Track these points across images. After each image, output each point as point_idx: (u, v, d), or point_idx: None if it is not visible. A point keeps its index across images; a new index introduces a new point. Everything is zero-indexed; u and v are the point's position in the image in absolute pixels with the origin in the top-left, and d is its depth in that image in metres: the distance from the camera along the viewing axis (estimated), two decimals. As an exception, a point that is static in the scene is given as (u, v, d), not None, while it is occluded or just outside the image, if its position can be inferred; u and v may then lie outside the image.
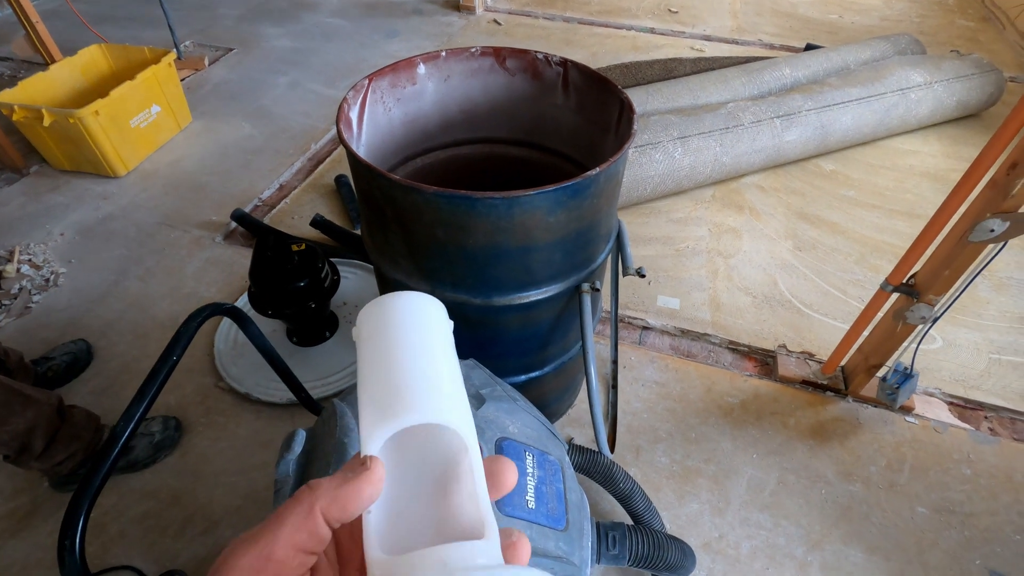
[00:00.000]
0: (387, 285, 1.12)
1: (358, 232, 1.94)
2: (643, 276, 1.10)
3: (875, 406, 1.50)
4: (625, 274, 1.12)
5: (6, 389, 1.13)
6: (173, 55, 2.34)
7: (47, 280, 1.81)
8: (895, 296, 1.31)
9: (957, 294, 1.18)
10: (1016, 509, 1.32)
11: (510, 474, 0.32)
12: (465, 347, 1.08)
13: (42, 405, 1.18)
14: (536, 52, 1.13)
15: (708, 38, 3.31)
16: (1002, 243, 1.09)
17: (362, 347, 0.34)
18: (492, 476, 0.32)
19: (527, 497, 0.67)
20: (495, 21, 3.46)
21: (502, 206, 0.82)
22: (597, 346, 1.62)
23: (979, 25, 3.54)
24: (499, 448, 0.71)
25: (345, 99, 0.97)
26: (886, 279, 1.29)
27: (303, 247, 1.45)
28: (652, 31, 3.37)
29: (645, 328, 1.70)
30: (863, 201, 2.16)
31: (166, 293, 1.77)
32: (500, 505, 0.63)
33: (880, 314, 1.37)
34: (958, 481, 1.37)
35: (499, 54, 1.14)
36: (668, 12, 3.60)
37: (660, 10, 3.61)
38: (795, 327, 1.69)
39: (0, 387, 1.12)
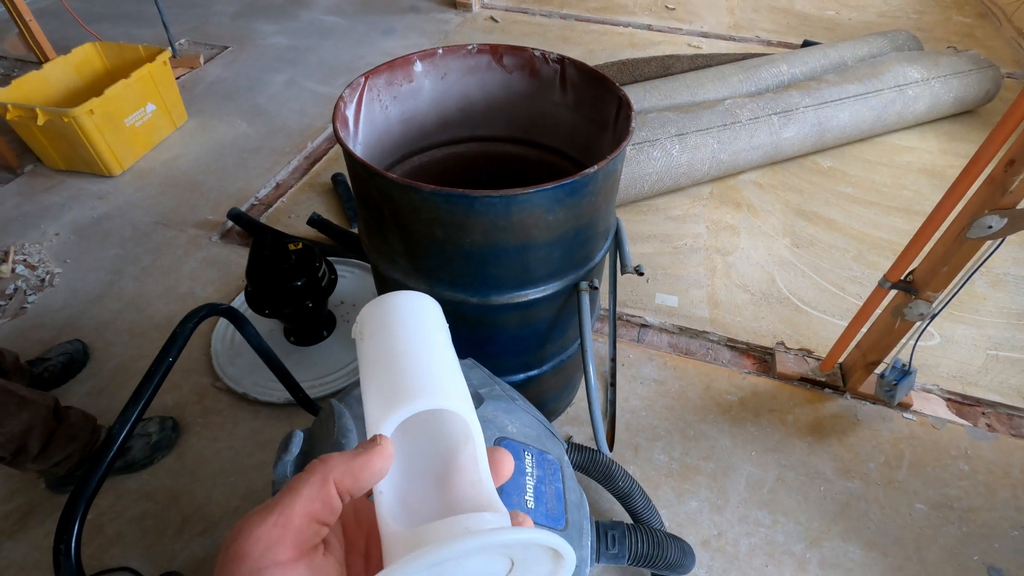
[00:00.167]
0: (385, 284, 1.11)
1: (355, 231, 1.94)
2: (641, 274, 1.10)
3: (873, 403, 1.50)
4: (623, 272, 1.11)
5: (1, 391, 1.12)
6: (168, 53, 2.32)
7: (42, 280, 1.80)
8: (893, 293, 1.31)
9: (955, 291, 1.18)
10: (1014, 505, 1.32)
11: (507, 464, 0.34)
12: (463, 346, 1.07)
13: (38, 406, 1.17)
14: (533, 49, 1.12)
15: (705, 35, 3.30)
16: (1000, 239, 1.09)
17: (365, 343, 0.36)
18: (490, 466, 0.33)
19: (526, 497, 0.67)
20: (492, 18, 3.45)
21: (500, 205, 0.82)
22: (595, 344, 1.61)
23: (976, 21, 3.54)
24: (498, 448, 0.71)
25: (341, 97, 0.97)
26: (884, 276, 1.29)
27: (300, 246, 1.45)
28: (649, 28, 3.37)
29: (643, 326, 1.70)
30: (861, 198, 2.16)
31: (162, 293, 1.76)
32: (499, 505, 0.62)
33: (878, 311, 1.37)
34: (956, 477, 1.37)
35: (496, 51, 1.14)
36: (665, 9, 3.59)
37: (657, 7, 3.60)
38: (793, 324, 1.69)
39: (-5, 389, 1.11)
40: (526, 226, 0.86)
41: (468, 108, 1.22)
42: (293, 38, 3.20)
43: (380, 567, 0.29)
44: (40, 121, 1.97)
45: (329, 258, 1.61)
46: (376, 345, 0.35)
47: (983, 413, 1.50)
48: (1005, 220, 1.05)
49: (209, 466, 1.36)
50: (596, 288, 1.05)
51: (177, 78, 2.67)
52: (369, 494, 0.31)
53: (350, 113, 1.01)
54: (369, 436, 0.31)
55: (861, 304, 1.39)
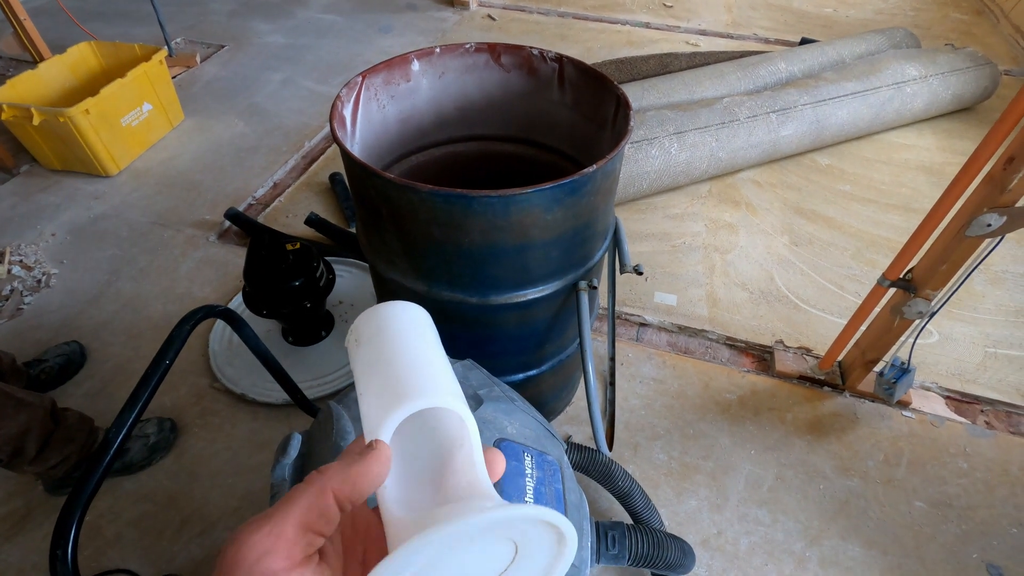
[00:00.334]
0: (383, 284, 1.11)
1: (353, 230, 1.93)
2: (640, 274, 1.10)
3: (872, 401, 1.50)
4: (622, 272, 1.11)
5: (-2, 393, 1.12)
6: (164, 52, 2.31)
7: (39, 281, 1.79)
8: (892, 291, 1.31)
9: (954, 289, 1.18)
10: (1012, 502, 1.33)
11: (499, 464, 0.35)
12: (462, 346, 1.07)
13: (35, 408, 1.16)
14: (531, 48, 1.11)
15: (703, 33, 3.30)
16: (999, 237, 1.09)
17: (359, 351, 0.37)
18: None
19: (526, 498, 0.66)
20: (489, 16, 3.44)
21: (498, 204, 0.81)
22: (594, 343, 1.61)
23: (973, 18, 3.54)
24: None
25: (339, 96, 0.96)
26: (883, 274, 1.29)
27: (298, 246, 1.44)
28: (647, 26, 3.36)
29: (642, 325, 1.69)
30: (859, 195, 2.16)
31: (160, 293, 1.76)
32: (499, 507, 0.62)
33: (877, 309, 1.37)
34: (955, 475, 1.37)
35: (494, 50, 1.13)
36: (663, 7, 3.58)
37: (655, 5, 3.60)
38: (792, 322, 1.69)
39: (-8, 391, 1.11)
40: (525, 226, 0.85)
41: (466, 107, 1.21)
42: (290, 36, 3.19)
43: None
44: (35, 121, 1.95)
45: (327, 258, 1.60)
46: (370, 352, 0.36)
47: (982, 411, 1.50)
48: (1004, 218, 1.04)
49: (207, 467, 1.36)
50: (595, 287, 1.05)
51: (173, 77, 2.66)
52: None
53: (347, 112, 1.00)
54: (368, 440, 0.32)
55: (860, 302, 1.39)
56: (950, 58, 2.41)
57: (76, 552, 0.61)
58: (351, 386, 0.98)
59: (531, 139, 1.26)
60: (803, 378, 1.55)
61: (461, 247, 0.88)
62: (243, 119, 2.53)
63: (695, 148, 2.00)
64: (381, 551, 0.30)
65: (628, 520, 1.21)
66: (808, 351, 1.61)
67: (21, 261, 1.85)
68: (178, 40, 3.09)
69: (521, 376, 1.17)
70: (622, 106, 0.98)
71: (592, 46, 3.13)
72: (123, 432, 0.69)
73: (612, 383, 1.51)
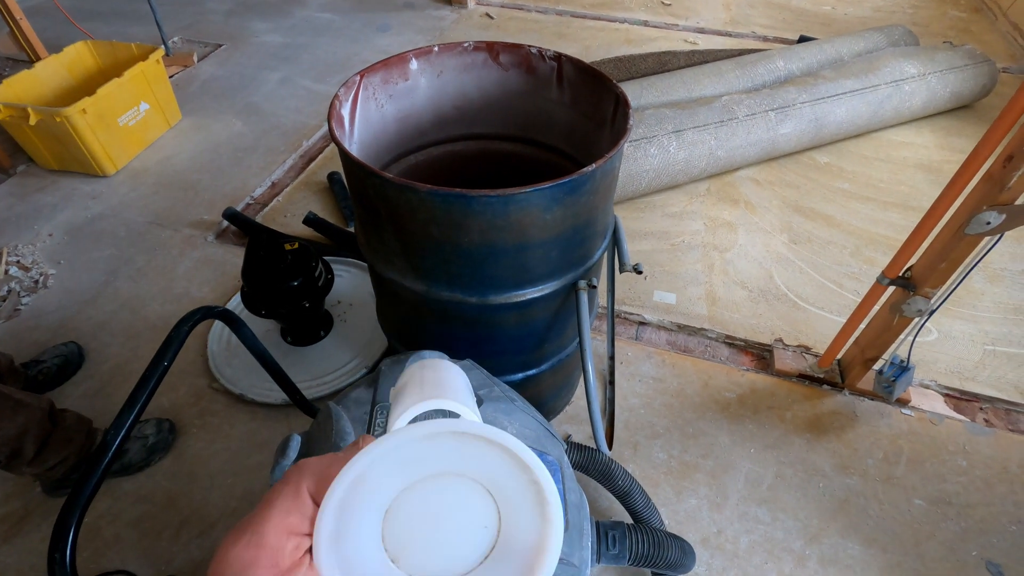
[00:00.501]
0: (382, 284, 1.11)
1: (352, 230, 1.93)
2: (640, 273, 1.09)
3: (872, 399, 1.50)
4: (622, 271, 1.11)
5: (-5, 394, 1.11)
6: (161, 51, 2.30)
7: (36, 282, 1.78)
8: (891, 289, 1.30)
9: (953, 287, 1.18)
10: (1011, 499, 1.33)
11: None
12: (461, 346, 1.07)
13: (33, 409, 1.16)
14: (530, 46, 1.11)
15: (701, 31, 3.30)
16: (998, 235, 1.09)
17: (410, 377, 0.47)
18: None
19: (526, 499, 0.66)
20: (487, 15, 3.43)
21: (497, 204, 0.81)
22: (594, 342, 1.61)
23: (971, 16, 3.54)
24: (497, 449, 0.70)
25: (336, 96, 0.96)
26: (882, 272, 1.29)
27: (296, 246, 1.44)
28: (645, 24, 3.35)
29: (642, 324, 1.69)
30: (857, 193, 2.16)
31: (157, 293, 1.75)
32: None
33: (876, 307, 1.37)
34: (954, 473, 1.37)
35: (492, 49, 1.13)
36: (661, 5, 3.58)
37: (653, 3, 3.59)
38: (791, 321, 1.69)
39: (-11, 392, 1.10)
40: (524, 225, 0.85)
41: (464, 106, 1.21)
42: (287, 35, 3.18)
43: None
44: (32, 121, 1.95)
45: (325, 257, 1.60)
46: (415, 378, 0.45)
47: (981, 408, 1.50)
48: (1004, 216, 1.04)
49: (206, 468, 1.35)
50: (594, 287, 1.05)
51: (170, 76, 2.65)
52: None
53: (345, 112, 1.00)
54: (390, 424, 0.35)
55: (859, 300, 1.39)
56: (948, 56, 2.41)
57: (75, 554, 0.61)
58: (350, 386, 0.98)
59: (530, 138, 1.26)
60: (802, 376, 1.55)
61: (460, 247, 0.87)
62: (241, 118, 2.52)
63: (694, 146, 2.00)
64: None
65: (628, 519, 1.21)
66: (807, 349, 1.61)
67: (18, 262, 1.84)
68: (175, 39, 3.08)
69: (520, 376, 1.17)
70: (621, 104, 0.98)
71: (590, 44, 3.13)
72: (121, 433, 0.69)
73: (612, 382, 1.51)
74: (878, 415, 1.48)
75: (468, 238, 0.86)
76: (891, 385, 1.35)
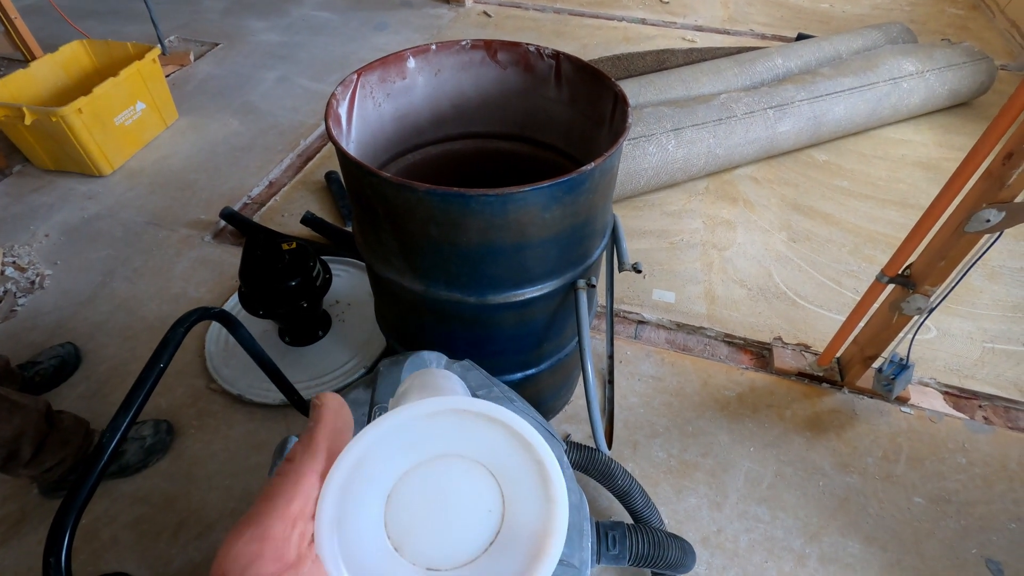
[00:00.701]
0: (380, 284, 1.10)
1: (350, 229, 1.92)
2: (639, 271, 1.09)
3: (871, 397, 1.50)
4: (621, 270, 1.10)
5: (-9, 396, 1.11)
6: (157, 51, 2.29)
7: (32, 282, 1.77)
8: (890, 287, 1.30)
9: (952, 284, 1.18)
10: (1011, 497, 1.33)
11: None
12: (460, 346, 1.07)
13: (29, 411, 1.15)
14: (528, 44, 1.11)
15: (700, 28, 3.29)
16: (997, 233, 1.09)
17: (409, 385, 0.47)
18: None
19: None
20: (485, 13, 3.43)
21: (496, 203, 0.80)
22: (593, 341, 1.61)
23: (969, 13, 3.54)
24: (497, 450, 0.70)
25: (334, 95, 0.95)
26: (882, 270, 1.28)
27: (294, 245, 1.43)
28: (643, 22, 3.35)
29: (641, 322, 1.69)
30: (856, 191, 2.16)
31: (154, 294, 1.74)
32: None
33: (875, 305, 1.37)
34: (954, 470, 1.37)
35: (490, 47, 1.12)
36: (659, 2, 3.57)
37: (651, 0, 3.59)
38: (790, 319, 1.69)
39: (-15, 394, 1.10)
40: (522, 224, 0.85)
41: (462, 105, 1.20)
42: (284, 34, 3.17)
43: None
44: (27, 121, 1.94)
45: (323, 257, 1.59)
46: (414, 385, 0.45)
47: (980, 406, 1.50)
48: (1003, 214, 1.04)
49: (204, 469, 1.35)
50: (594, 286, 1.04)
51: (167, 76, 2.63)
52: None
53: (343, 111, 0.99)
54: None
55: (858, 298, 1.38)
56: (946, 53, 2.41)
57: (70, 558, 0.61)
58: (348, 387, 0.97)
59: (528, 136, 1.25)
60: (802, 375, 1.54)
61: (458, 246, 0.87)
62: (238, 118, 2.51)
63: (692, 145, 2.00)
64: None
65: (628, 519, 1.21)
66: (807, 348, 1.61)
67: (14, 262, 1.83)
68: (171, 38, 3.07)
69: (520, 375, 1.17)
70: (619, 103, 0.97)
71: (588, 43, 3.12)
72: (118, 435, 0.68)
73: (611, 381, 1.51)
74: (877, 413, 1.48)
75: (466, 237, 0.85)
76: (890, 383, 1.35)
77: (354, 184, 0.92)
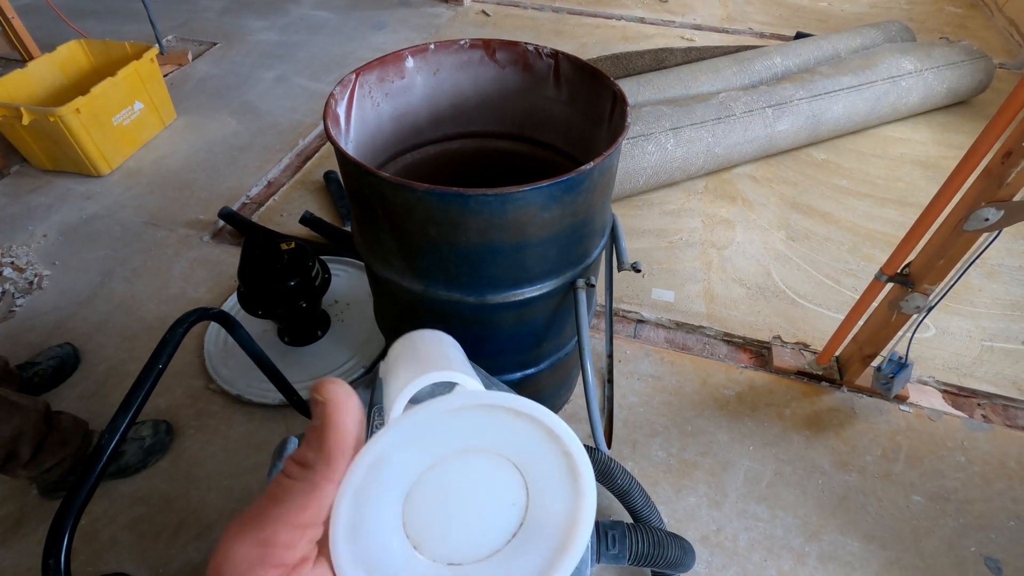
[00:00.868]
0: (379, 283, 1.10)
1: (348, 229, 1.92)
2: (638, 271, 1.09)
3: (870, 396, 1.50)
4: (620, 269, 1.11)
5: (-10, 397, 1.10)
6: (155, 50, 2.29)
7: (31, 283, 1.77)
8: (889, 286, 1.30)
9: (952, 283, 1.18)
10: (1010, 495, 1.33)
11: None
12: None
13: (28, 411, 1.15)
14: (526, 44, 1.10)
15: (698, 27, 3.29)
16: (996, 232, 1.09)
17: (399, 352, 0.42)
18: None
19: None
20: (483, 12, 3.42)
21: (495, 203, 0.80)
22: (592, 341, 1.61)
23: (967, 11, 3.54)
24: (496, 450, 0.70)
25: (332, 95, 0.95)
26: (881, 269, 1.28)
27: (293, 245, 1.43)
28: (642, 21, 3.35)
29: (640, 321, 1.69)
30: (855, 190, 2.16)
31: (153, 294, 1.74)
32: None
33: (874, 304, 1.37)
34: (952, 469, 1.37)
35: (489, 46, 1.12)
36: (657, 1, 3.57)
37: (649, -1, 3.59)
38: (789, 318, 1.69)
39: (-17, 395, 1.09)
40: (522, 224, 0.85)
41: (461, 104, 1.20)
42: (282, 34, 3.16)
43: None
44: (25, 121, 1.93)
45: (322, 257, 1.59)
46: (405, 351, 0.41)
47: (979, 404, 1.51)
48: (1002, 212, 1.04)
49: (204, 469, 1.35)
50: (592, 285, 1.04)
51: (165, 75, 2.63)
52: None
53: (341, 111, 0.99)
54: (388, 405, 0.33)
55: (857, 297, 1.38)
56: (945, 52, 2.41)
57: (70, 558, 0.60)
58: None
59: (527, 136, 1.25)
60: (801, 373, 1.55)
61: (457, 246, 0.87)
62: (236, 117, 2.51)
63: (691, 144, 2.00)
64: None
65: (628, 518, 1.21)
66: (806, 346, 1.61)
67: (12, 263, 1.83)
68: (169, 38, 3.07)
69: (519, 375, 1.17)
70: (618, 102, 0.97)
71: (587, 42, 3.12)
72: (117, 436, 0.68)
73: (610, 380, 1.51)
74: (876, 412, 1.48)
75: (465, 237, 0.85)
76: (889, 382, 1.35)
77: (353, 184, 0.92)
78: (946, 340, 1.65)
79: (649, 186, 2.05)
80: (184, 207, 2.06)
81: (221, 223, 1.96)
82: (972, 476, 1.36)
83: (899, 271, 1.26)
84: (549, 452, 0.28)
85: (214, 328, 1.61)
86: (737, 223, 2.00)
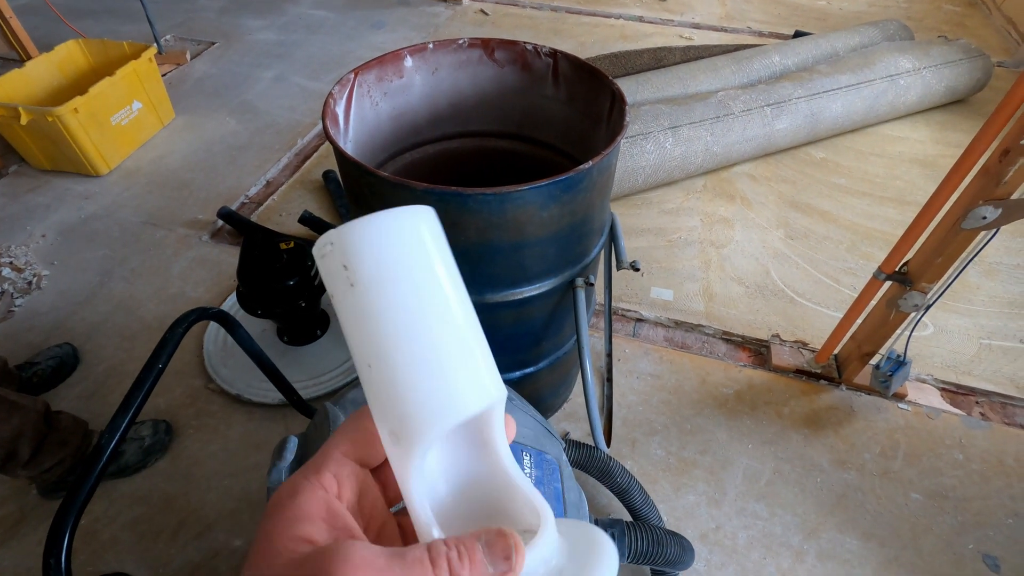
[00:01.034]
0: (378, 283, 1.10)
1: (347, 228, 1.91)
2: (637, 270, 1.09)
3: (868, 394, 1.51)
4: (619, 268, 1.11)
5: (-11, 397, 1.10)
6: (153, 50, 2.28)
7: (29, 283, 1.77)
8: (888, 284, 1.31)
9: (950, 281, 1.18)
10: (1008, 493, 1.33)
11: (511, 427, 0.31)
12: (459, 345, 1.06)
13: (28, 411, 1.15)
14: (525, 43, 1.10)
15: (697, 26, 3.29)
16: (994, 230, 1.09)
17: (356, 298, 0.26)
18: None
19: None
20: (482, 11, 3.42)
21: (494, 202, 0.80)
22: (591, 340, 1.61)
23: (965, 10, 3.54)
24: (496, 449, 0.70)
25: (331, 94, 0.95)
26: (879, 267, 1.29)
27: (292, 245, 1.43)
28: (640, 19, 3.35)
29: (639, 320, 1.69)
30: (853, 188, 2.16)
31: (152, 294, 1.74)
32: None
33: (873, 302, 1.37)
34: (951, 466, 1.38)
35: (487, 45, 1.12)
36: (656, 0, 3.57)
37: (648, -2, 3.59)
38: (788, 316, 1.69)
39: (-17, 395, 1.09)
40: (520, 223, 0.85)
41: (459, 103, 1.20)
42: (281, 33, 3.16)
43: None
44: (23, 120, 1.93)
45: (321, 257, 1.59)
46: (375, 308, 0.26)
47: (977, 402, 1.51)
48: (1000, 210, 1.04)
49: (203, 469, 1.35)
50: (591, 284, 1.04)
51: (163, 75, 2.63)
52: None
53: (340, 110, 0.99)
54: (395, 466, 0.26)
55: (855, 295, 1.39)
56: (943, 50, 2.41)
57: (70, 558, 0.61)
58: (347, 386, 0.97)
59: (526, 135, 1.25)
60: (799, 372, 1.55)
61: (456, 245, 0.86)
62: (235, 117, 2.51)
63: (690, 142, 2.00)
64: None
65: (627, 517, 1.21)
66: (804, 345, 1.62)
67: (11, 263, 1.83)
68: (168, 37, 3.06)
69: (518, 374, 1.17)
70: (617, 101, 0.97)
71: (585, 41, 3.12)
72: (116, 436, 0.68)
73: (609, 379, 1.51)
74: (875, 410, 1.48)
75: (464, 237, 0.85)
76: (888, 380, 1.36)
77: (352, 183, 0.92)
78: (944, 338, 1.65)
79: (648, 185, 2.05)
80: (183, 207, 2.05)
81: (220, 223, 1.96)
82: (970, 474, 1.37)
83: (897, 269, 1.26)
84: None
85: (213, 328, 1.61)
86: (736, 222, 2.00)
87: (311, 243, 1.85)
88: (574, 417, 1.45)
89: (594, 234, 1.03)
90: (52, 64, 2.26)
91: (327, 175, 2.13)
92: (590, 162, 0.83)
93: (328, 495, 0.26)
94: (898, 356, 1.34)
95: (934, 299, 1.22)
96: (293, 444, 0.64)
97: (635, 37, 3.15)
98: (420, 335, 0.25)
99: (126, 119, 2.21)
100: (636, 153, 1.94)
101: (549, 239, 0.90)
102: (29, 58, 2.46)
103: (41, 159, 2.16)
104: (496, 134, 1.26)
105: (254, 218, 2.00)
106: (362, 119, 1.07)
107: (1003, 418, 1.48)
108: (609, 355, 1.53)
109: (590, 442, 1.16)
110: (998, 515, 1.30)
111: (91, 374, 1.53)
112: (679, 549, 0.98)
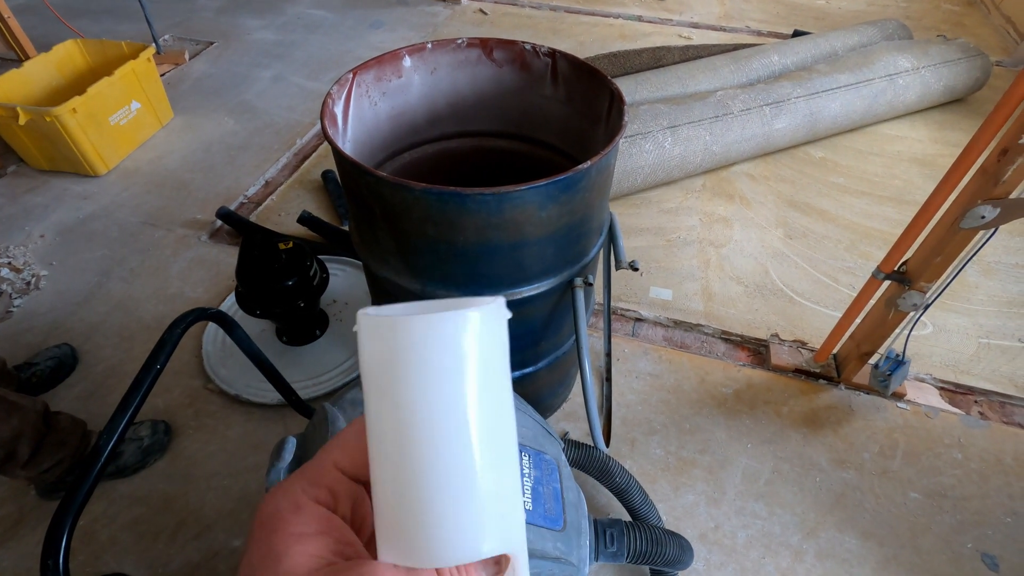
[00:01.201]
0: (376, 283, 1.10)
1: (346, 228, 1.92)
2: (636, 269, 1.09)
3: (867, 393, 1.51)
4: (618, 268, 1.11)
5: (-12, 397, 1.10)
6: (152, 49, 2.28)
7: (28, 283, 1.77)
8: (886, 283, 1.31)
9: (948, 280, 1.18)
10: (1006, 492, 1.34)
11: None
12: (458, 345, 1.06)
13: (27, 412, 1.15)
14: (524, 43, 1.10)
15: (696, 25, 3.29)
16: (993, 229, 1.09)
17: (381, 407, 0.24)
18: None
19: (524, 499, 0.66)
20: (481, 11, 3.42)
21: (492, 202, 0.80)
22: (590, 339, 1.61)
23: (964, 9, 3.54)
24: (494, 449, 0.70)
25: (329, 94, 0.95)
26: (878, 267, 1.29)
27: (291, 245, 1.43)
28: (639, 19, 3.35)
29: (638, 320, 1.69)
30: (852, 188, 2.16)
31: (151, 294, 1.74)
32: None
33: (872, 301, 1.37)
34: (950, 465, 1.38)
35: (486, 45, 1.12)
36: (655, 0, 3.57)
37: (647, -3, 3.59)
38: (787, 316, 1.70)
39: (-19, 395, 1.09)
40: (519, 223, 0.85)
41: (458, 103, 1.20)
42: (280, 33, 3.15)
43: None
44: (21, 121, 1.93)
45: (320, 256, 1.59)
46: (400, 427, 0.23)
47: (976, 401, 1.51)
48: (998, 210, 1.05)
49: (202, 469, 1.35)
50: (590, 284, 1.04)
51: (162, 75, 2.62)
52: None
53: (338, 110, 0.99)
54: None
55: (854, 295, 1.39)
56: (942, 49, 2.41)
57: (68, 560, 0.60)
58: (346, 386, 0.97)
59: (524, 135, 1.25)
60: (798, 371, 1.55)
61: (455, 245, 0.87)
62: (233, 117, 2.51)
63: (689, 142, 2.00)
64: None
65: (626, 516, 1.21)
66: (803, 344, 1.62)
67: (10, 263, 1.82)
68: (166, 37, 3.06)
69: (517, 374, 1.17)
70: (616, 101, 0.97)
71: (584, 40, 3.12)
72: (115, 437, 0.68)
73: (608, 379, 1.51)
74: (874, 409, 1.48)
75: (463, 236, 0.85)
76: (887, 379, 1.36)
77: (350, 183, 0.92)
78: (943, 337, 1.65)
79: (647, 184, 2.05)
80: (181, 207, 2.05)
81: (219, 223, 1.96)
82: (969, 473, 1.37)
83: (896, 269, 1.26)
84: None
85: (212, 328, 1.61)
86: (735, 221, 2.01)
87: (310, 243, 1.85)
88: (573, 417, 1.45)
89: (593, 234, 1.03)
90: (50, 64, 2.25)
91: (326, 175, 2.13)
92: (589, 162, 0.83)
93: (328, 511, 0.27)
94: (897, 355, 1.34)
95: (933, 298, 1.22)
96: (292, 444, 0.64)
97: (634, 36, 3.15)
98: (458, 466, 0.23)
99: (124, 119, 2.21)
100: (635, 153, 1.94)
101: (548, 239, 0.90)
102: (27, 58, 2.46)
103: (39, 159, 2.15)
104: (495, 134, 1.26)
105: (253, 218, 2.00)
106: (361, 119, 1.07)
107: (1002, 417, 1.48)
108: (608, 355, 1.54)
109: (589, 442, 1.16)
110: (997, 514, 1.30)
111: (90, 374, 1.53)
112: (678, 549, 0.98)
